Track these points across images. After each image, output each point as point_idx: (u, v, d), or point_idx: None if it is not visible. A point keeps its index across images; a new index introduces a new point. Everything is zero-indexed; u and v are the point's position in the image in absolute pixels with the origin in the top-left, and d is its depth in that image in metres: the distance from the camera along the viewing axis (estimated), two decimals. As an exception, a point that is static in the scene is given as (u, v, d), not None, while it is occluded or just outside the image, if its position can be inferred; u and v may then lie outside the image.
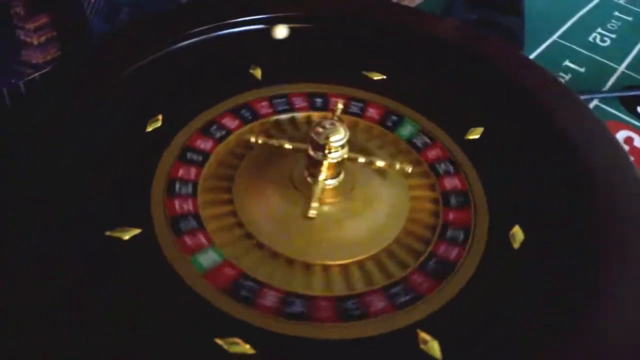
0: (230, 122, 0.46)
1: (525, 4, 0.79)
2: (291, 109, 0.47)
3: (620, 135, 0.61)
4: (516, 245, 0.38)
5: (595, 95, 0.65)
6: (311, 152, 0.39)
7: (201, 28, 0.50)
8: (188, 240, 0.37)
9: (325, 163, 0.39)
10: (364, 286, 0.36)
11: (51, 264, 0.33)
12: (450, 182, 0.43)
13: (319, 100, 0.48)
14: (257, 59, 0.51)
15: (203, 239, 0.37)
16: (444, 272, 0.36)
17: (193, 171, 0.41)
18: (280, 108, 0.47)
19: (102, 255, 0.35)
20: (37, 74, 0.60)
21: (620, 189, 0.40)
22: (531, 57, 0.71)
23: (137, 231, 0.36)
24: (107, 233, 0.36)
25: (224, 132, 0.45)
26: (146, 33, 0.50)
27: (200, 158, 0.42)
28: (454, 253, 0.38)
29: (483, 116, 0.47)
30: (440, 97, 0.49)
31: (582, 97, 0.63)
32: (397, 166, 0.41)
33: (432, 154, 0.45)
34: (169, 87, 0.47)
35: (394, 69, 0.51)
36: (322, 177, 0.40)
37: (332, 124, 0.38)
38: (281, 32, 0.42)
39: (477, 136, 0.46)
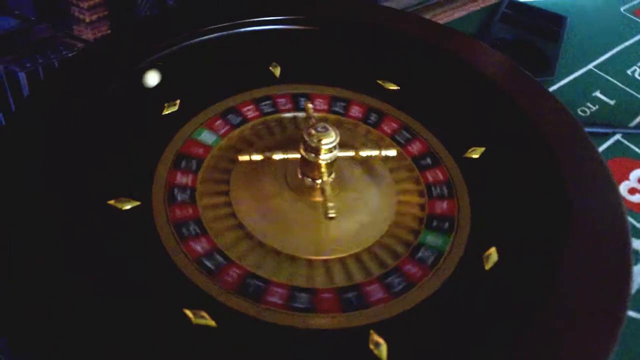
0: (247, 112, 0.49)
1: (568, 29, 0.79)
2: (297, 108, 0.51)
3: (635, 175, 0.60)
4: (489, 264, 0.40)
5: (618, 130, 0.64)
6: (304, 154, 0.42)
7: (225, 24, 0.53)
8: (178, 212, 0.40)
9: (323, 164, 0.42)
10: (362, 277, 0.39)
11: (55, 223, 0.37)
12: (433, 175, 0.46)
13: (301, 100, 0.51)
14: (278, 58, 0.54)
15: (191, 211, 0.40)
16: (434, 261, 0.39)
17: (201, 150, 0.45)
18: (285, 107, 0.50)
19: (101, 221, 0.39)
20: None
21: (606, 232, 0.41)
22: (562, 83, 0.71)
23: (136, 203, 0.40)
24: (109, 202, 0.40)
25: (239, 120, 0.48)
26: (174, 23, 0.54)
27: (201, 151, 0.46)
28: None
29: (484, 136, 0.49)
30: (447, 114, 0.51)
31: (600, 130, 0.63)
32: (383, 153, 0.44)
33: (418, 150, 0.47)
34: (189, 76, 0.51)
35: (407, 79, 0.54)
36: (325, 177, 0.42)
37: (324, 127, 0.41)
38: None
39: (476, 156, 0.48)
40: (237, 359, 0.33)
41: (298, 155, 0.42)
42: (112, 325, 0.32)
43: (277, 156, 0.43)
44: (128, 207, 0.40)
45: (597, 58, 0.76)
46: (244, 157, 0.42)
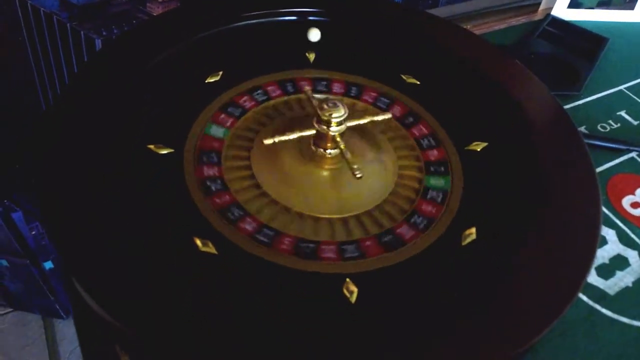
0: (273, 90, 0.56)
1: (607, 51, 0.82)
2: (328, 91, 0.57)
3: (641, 191, 0.63)
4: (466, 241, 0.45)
5: (634, 148, 0.67)
6: (317, 127, 0.48)
7: (270, 10, 0.60)
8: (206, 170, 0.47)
9: (331, 135, 0.48)
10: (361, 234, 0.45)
11: (100, 158, 0.45)
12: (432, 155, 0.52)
13: (354, 88, 0.57)
14: (315, 46, 0.60)
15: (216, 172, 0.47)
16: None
17: (230, 120, 0.52)
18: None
19: (139, 162, 0.47)
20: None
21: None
22: (588, 99, 0.74)
23: (171, 150, 0.48)
24: (149, 146, 0.48)
25: (265, 97, 0.55)
26: (224, 6, 0.61)
27: (238, 112, 0.53)
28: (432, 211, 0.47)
29: (485, 132, 0.54)
30: (457, 110, 0.56)
31: (613, 145, 0.66)
32: (380, 118, 0.50)
33: (421, 131, 0.52)
34: (235, 53, 0.58)
35: (428, 77, 0.59)
36: (342, 145, 0.48)
37: (334, 103, 0.47)
38: (315, 35, 0.50)
39: (477, 149, 0.53)
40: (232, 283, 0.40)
41: (310, 131, 0.48)
42: (140, 243, 0.40)
43: (294, 135, 0.48)
44: (164, 152, 0.47)
45: (630, 80, 0.78)
46: (268, 141, 0.48)
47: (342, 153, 0.47)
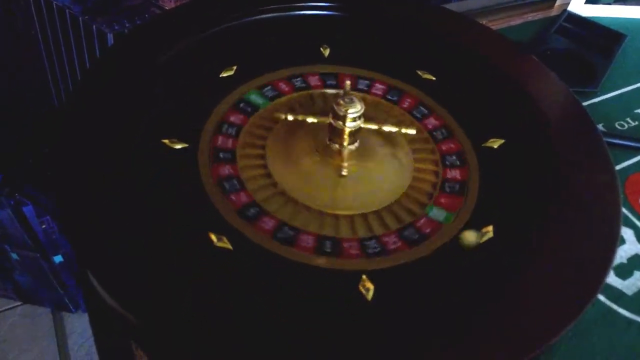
0: (284, 86, 0.55)
1: (625, 47, 0.81)
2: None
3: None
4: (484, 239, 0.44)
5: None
6: (332, 122, 0.47)
7: (284, 5, 0.60)
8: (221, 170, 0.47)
9: (347, 131, 0.47)
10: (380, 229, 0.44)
11: (115, 153, 0.45)
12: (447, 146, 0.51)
13: (364, 82, 0.57)
14: (329, 41, 0.60)
15: (231, 170, 0.47)
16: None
17: (241, 117, 0.51)
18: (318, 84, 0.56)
19: (153, 155, 0.46)
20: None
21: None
22: (606, 96, 0.73)
23: (185, 145, 0.47)
24: (163, 140, 0.47)
25: (275, 93, 0.55)
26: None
27: (249, 109, 0.52)
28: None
29: (502, 129, 0.53)
30: (474, 107, 0.55)
31: (632, 144, 0.65)
32: (403, 130, 0.48)
33: (433, 123, 0.51)
34: (249, 48, 0.58)
35: (443, 73, 0.58)
36: (346, 143, 0.48)
37: (351, 99, 0.46)
38: (470, 237, 0.48)
39: (495, 146, 0.52)
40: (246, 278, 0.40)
41: (325, 119, 0.48)
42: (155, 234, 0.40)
43: (309, 119, 0.48)
44: (178, 146, 0.47)
45: (649, 78, 0.77)
46: (280, 115, 0.48)
47: (343, 148, 0.48)
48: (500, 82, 0.57)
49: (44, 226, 1.00)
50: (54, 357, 1.12)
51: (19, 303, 1.17)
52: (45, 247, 1.02)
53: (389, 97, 0.56)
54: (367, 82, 0.57)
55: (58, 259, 1.04)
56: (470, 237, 0.44)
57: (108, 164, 0.44)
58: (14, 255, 1.03)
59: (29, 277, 1.07)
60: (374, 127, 0.49)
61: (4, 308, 1.17)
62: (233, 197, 0.44)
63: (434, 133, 0.53)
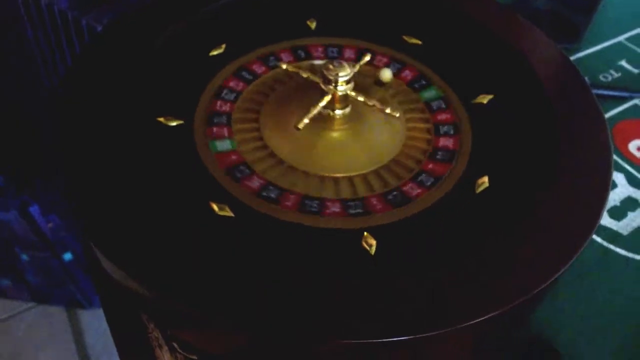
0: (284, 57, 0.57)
1: (605, 2, 0.82)
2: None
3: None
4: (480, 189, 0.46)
5: (636, 95, 0.68)
6: (322, 86, 0.49)
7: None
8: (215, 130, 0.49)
9: (338, 95, 0.49)
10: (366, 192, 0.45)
11: (110, 131, 0.46)
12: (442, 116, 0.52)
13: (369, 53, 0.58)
14: (315, 13, 0.61)
15: (226, 132, 0.49)
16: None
17: (241, 84, 0.53)
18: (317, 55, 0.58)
19: (149, 134, 0.48)
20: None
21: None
22: (588, 51, 0.74)
23: (180, 122, 0.49)
24: (158, 118, 0.49)
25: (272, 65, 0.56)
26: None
27: (239, 86, 0.54)
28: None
29: (492, 85, 0.54)
30: (462, 66, 0.57)
31: (617, 94, 0.67)
32: (388, 110, 0.49)
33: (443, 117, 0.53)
34: (237, 26, 0.59)
35: (429, 36, 0.60)
36: (322, 104, 0.48)
37: (340, 63, 0.47)
38: (386, 75, 0.52)
39: (484, 101, 0.53)
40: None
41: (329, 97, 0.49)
42: (154, 209, 0.41)
43: (316, 110, 0.49)
44: (174, 124, 0.49)
45: (629, 31, 0.79)
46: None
47: (357, 100, 0.49)
48: (488, 41, 0.58)
49: (50, 225, 1.01)
50: (72, 354, 1.14)
51: (33, 304, 1.19)
52: (54, 245, 1.04)
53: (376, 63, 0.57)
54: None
55: (68, 256, 1.06)
56: (386, 74, 0.53)
57: (109, 143, 0.45)
58: (24, 257, 1.05)
59: (40, 276, 1.09)
60: (360, 98, 0.50)
61: (18, 310, 1.19)
62: (224, 158, 0.46)
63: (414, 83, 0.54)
